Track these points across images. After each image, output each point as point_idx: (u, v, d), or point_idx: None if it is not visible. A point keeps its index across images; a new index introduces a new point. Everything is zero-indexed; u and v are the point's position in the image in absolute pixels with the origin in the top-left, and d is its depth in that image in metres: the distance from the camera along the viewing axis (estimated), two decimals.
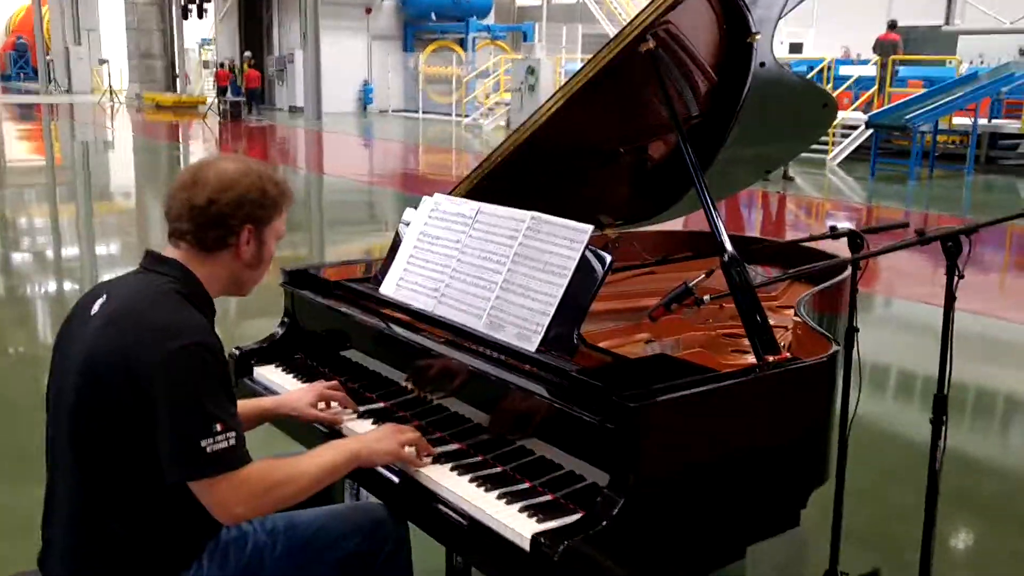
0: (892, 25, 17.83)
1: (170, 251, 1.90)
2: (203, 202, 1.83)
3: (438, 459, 1.99)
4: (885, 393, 5.22)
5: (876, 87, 17.13)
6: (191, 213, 1.84)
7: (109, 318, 1.78)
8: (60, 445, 1.82)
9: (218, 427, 1.70)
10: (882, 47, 17.47)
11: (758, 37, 2.46)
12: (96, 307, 1.82)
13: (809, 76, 17.04)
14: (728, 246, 2.11)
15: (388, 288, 2.46)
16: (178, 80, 35.02)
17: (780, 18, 2.53)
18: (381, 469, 2.00)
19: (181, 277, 1.85)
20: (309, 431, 2.27)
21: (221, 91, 28.67)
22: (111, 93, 32.41)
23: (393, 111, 30.53)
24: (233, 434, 1.72)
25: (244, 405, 2.17)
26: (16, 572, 1.92)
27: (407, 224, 2.54)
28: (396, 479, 1.98)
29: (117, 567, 1.77)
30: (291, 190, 2.01)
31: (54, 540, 1.85)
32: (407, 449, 1.96)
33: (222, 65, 30.20)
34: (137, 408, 1.69)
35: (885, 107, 15.92)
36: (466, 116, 26.60)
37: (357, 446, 1.95)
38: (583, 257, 2.05)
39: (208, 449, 1.68)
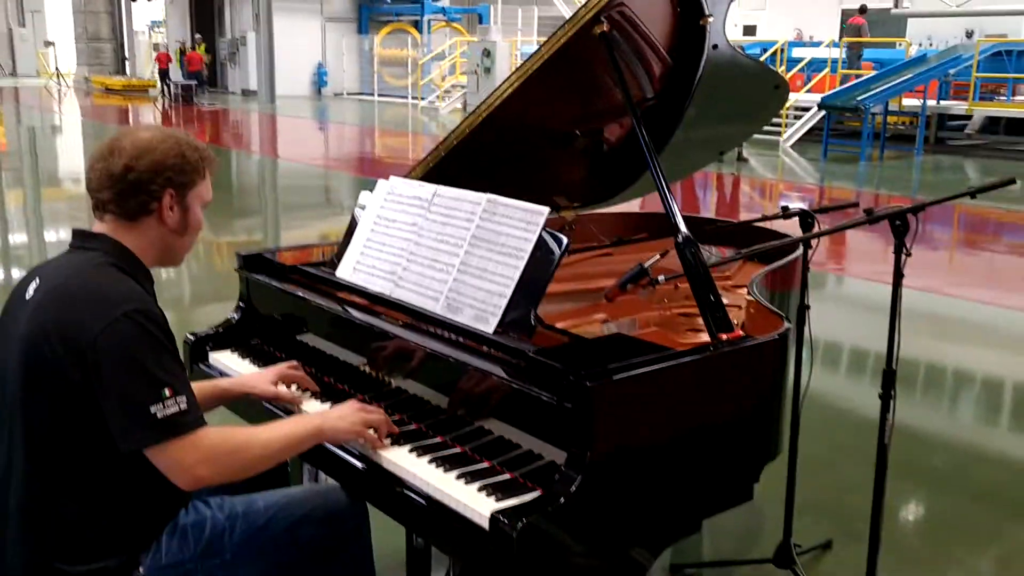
0: (862, 9, 18.10)
1: (97, 226, 1.89)
2: (120, 170, 1.83)
3: (397, 440, 2.00)
4: (837, 369, 5.32)
5: (848, 68, 17.34)
6: (110, 182, 1.84)
7: (44, 298, 1.77)
8: (8, 433, 1.80)
9: (167, 392, 1.69)
10: (852, 30, 17.76)
11: (711, 19, 2.49)
12: (31, 291, 1.81)
13: (762, 58, 17.24)
14: (682, 227, 2.13)
15: (345, 272, 2.46)
16: (127, 63, 34.38)
17: (732, 1, 2.55)
18: (340, 452, 2.01)
19: (112, 250, 1.85)
20: (266, 415, 2.26)
21: (163, 74, 28.27)
22: (58, 76, 31.74)
23: (348, 94, 30.29)
24: (184, 398, 1.72)
25: (201, 386, 2.16)
26: None
27: (363, 207, 2.54)
28: (355, 461, 1.98)
29: (73, 551, 1.76)
30: (213, 155, 1.99)
31: (7, 530, 1.82)
32: (370, 430, 1.96)
33: (156, 47, 29.77)
34: (83, 382, 1.69)
35: (837, 88, 16.13)
36: (422, 99, 26.47)
37: (320, 421, 1.95)
38: (539, 239, 2.06)
39: (159, 414, 1.68)
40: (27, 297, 1.81)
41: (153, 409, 1.68)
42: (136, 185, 1.83)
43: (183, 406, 1.71)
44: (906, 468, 3.72)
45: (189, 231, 1.94)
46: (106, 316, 1.69)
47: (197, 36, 30.12)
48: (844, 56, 17.64)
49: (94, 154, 1.87)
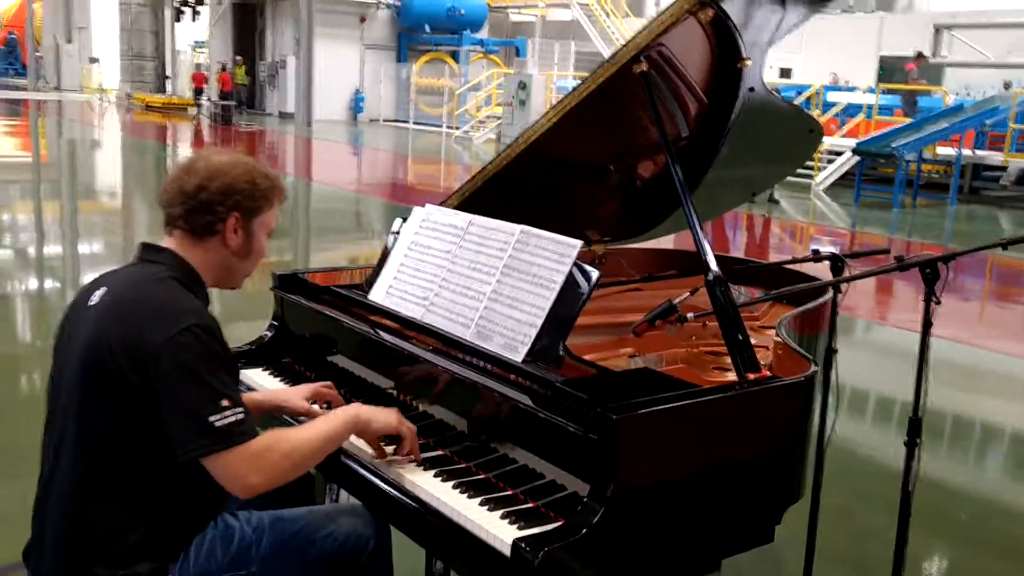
0: (919, 56, 18.14)
1: (165, 240, 1.97)
2: (193, 188, 1.91)
3: (423, 465, 2.02)
4: (863, 415, 5.28)
5: (906, 114, 17.25)
6: (182, 198, 1.92)
7: (109, 307, 1.84)
8: (61, 436, 1.85)
9: (225, 403, 1.76)
10: (909, 75, 17.76)
11: (748, 63, 2.51)
12: (95, 298, 1.88)
13: (798, 101, 17.25)
14: (713, 265, 2.15)
15: (377, 295, 2.50)
16: (168, 81, 35.00)
17: (771, 45, 2.58)
18: (366, 473, 2.03)
19: (176, 265, 1.92)
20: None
21: (197, 93, 28.82)
22: (101, 92, 32.36)
23: (384, 120, 30.62)
24: (240, 408, 1.78)
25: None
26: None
27: (397, 233, 2.58)
28: (381, 483, 2.00)
29: (108, 555, 1.80)
30: (283, 185, 2.07)
31: (45, 532, 1.87)
32: (403, 427, 2.01)
33: (197, 66, 30.38)
34: (141, 391, 1.75)
35: (872, 135, 16.10)
36: (456, 128, 26.68)
37: (355, 410, 2.01)
38: (571, 271, 2.09)
39: (217, 424, 1.73)
40: (90, 303, 1.87)
41: (212, 419, 1.73)
42: (206, 205, 1.92)
43: (240, 416, 1.77)
44: (929, 518, 3.68)
45: (251, 256, 2.02)
46: (169, 328, 1.76)
47: (238, 58, 30.64)
48: (901, 101, 17.55)
49: (171, 174, 1.97)
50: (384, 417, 2.01)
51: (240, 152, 2.07)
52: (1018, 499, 4.24)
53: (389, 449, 2.05)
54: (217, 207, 1.92)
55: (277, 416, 2.32)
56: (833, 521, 3.42)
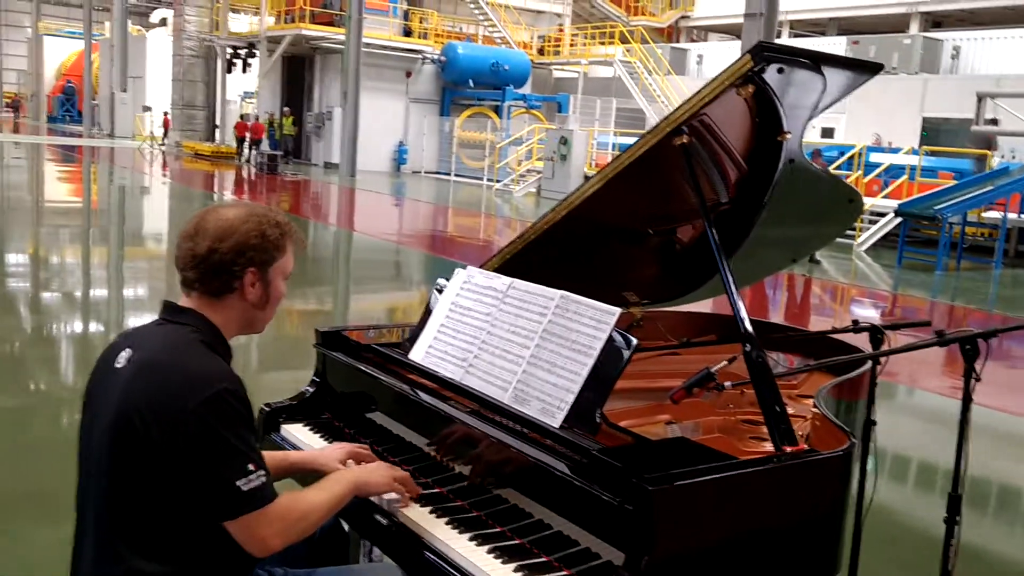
0: (993, 122, 18.03)
1: (184, 300, 1.99)
2: (204, 251, 1.92)
3: (459, 527, 2.04)
4: (904, 483, 5.18)
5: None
6: (195, 262, 1.93)
7: (139, 369, 1.85)
8: (92, 494, 1.88)
9: (251, 467, 1.80)
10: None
11: (788, 136, 2.55)
12: (122, 360, 1.90)
13: (840, 161, 17.23)
14: (751, 335, 2.16)
15: (417, 355, 2.53)
16: (217, 131, 35.83)
17: (811, 118, 2.61)
18: (399, 532, 2.05)
19: (201, 326, 1.94)
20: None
21: (239, 142, 29.49)
22: (152, 139, 33.20)
23: (426, 172, 31.01)
24: (263, 472, 1.82)
25: (271, 456, 2.23)
26: None
27: (439, 292, 2.62)
28: (416, 545, 2.02)
29: None
30: (295, 229, 2.07)
31: None
32: (396, 485, 2.11)
33: (243, 116, 31.13)
34: (171, 454, 1.77)
35: (914, 196, 16.00)
36: (497, 181, 26.95)
37: (353, 476, 2.09)
38: (609, 338, 2.11)
39: (244, 488, 1.78)
40: (117, 366, 1.89)
41: (239, 483, 1.77)
42: (220, 267, 1.93)
43: (263, 479, 1.81)
44: None
45: (271, 304, 2.03)
46: (200, 394, 1.78)
47: (286, 108, 31.31)
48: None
49: (181, 233, 1.98)
50: (378, 479, 2.10)
51: (248, 202, 2.09)
52: None
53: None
54: (232, 267, 1.93)
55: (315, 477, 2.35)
56: None
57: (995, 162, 17.82)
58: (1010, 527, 4.74)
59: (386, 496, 2.13)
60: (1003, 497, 5.08)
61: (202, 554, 1.84)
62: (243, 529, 1.80)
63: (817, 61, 2.44)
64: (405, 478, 2.14)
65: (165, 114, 35.92)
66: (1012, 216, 15.85)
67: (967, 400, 2.15)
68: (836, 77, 2.51)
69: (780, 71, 2.36)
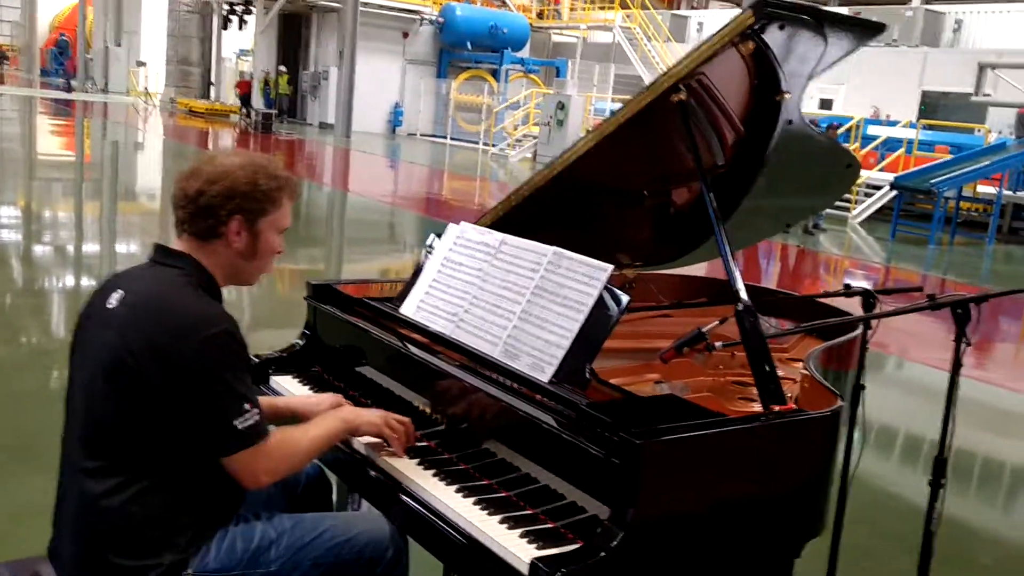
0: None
1: (176, 243, 1.98)
2: (194, 192, 1.93)
3: (445, 479, 2.04)
4: (891, 454, 5.22)
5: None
6: (185, 202, 1.94)
7: (131, 311, 1.86)
8: (79, 435, 1.88)
9: (247, 406, 1.84)
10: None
11: (787, 96, 2.52)
12: (114, 301, 1.89)
13: (837, 133, 17.15)
14: (743, 295, 2.16)
15: (408, 309, 2.53)
16: (212, 88, 35.52)
17: (811, 78, 2.59)
18: (388, 483, 2.05)
19: (193, 269, 1.94)
20: None
21: (243, 99, 29.27)
22: (146, 95, 32.91)
23: (421, 135, 30.83)
24: (257, 410, 1.87)
25: (271, 400, 2.29)
26: (26, 557, 1.98)
27: (431, 248, 2.61)
28: (402, 494, 2.02)
29: (128, 547, 1.83)
30: (293, 184, 2.05)
31: (65, 524, 1.91)
32: (388, 430, 2.12)
33: (241, 74, 30.86)
34: (167, 394, 1.79)
35: (911, 170, 15.99)
36: (493, 145, 26.83)
37: (346, 413, 2.13)
38: (601, 295, 2.10)
39: (240, 426, 1.83)
40: (109, 307, 1.89)
41: (236, 422, 1.82)
42: (206, 209, 1.92)
43: (257, 417, 1.86)
44: (953, 563, 3.63)
45: (258, 256, 2.01)
46: (197, 335, 1.81)
47: (281, 67, 31.03)
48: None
49: (181, 173, 1.98)
50: (368, 420, 2.12)
51: (252, 153, 2.07)
52: None
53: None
54: (218, 211, 1.92)
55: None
56: (855, 559, 3.39)
57: (992, 137, 17.79)
58: (994, 500, 4.79)
59: (363, 440, 2.15)
60: (988, 470, 5.12)
61: (191, 494, 1.87)
62: (238, 465, 1.85)
63: (820, 19, 2.41)
64: (401, 423, 2.14)
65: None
66: (1007, 192, 15.84)
67: (957, 364, 2.16)
68: (838, 37, 2.48)
69: (781, 27, 2.34)
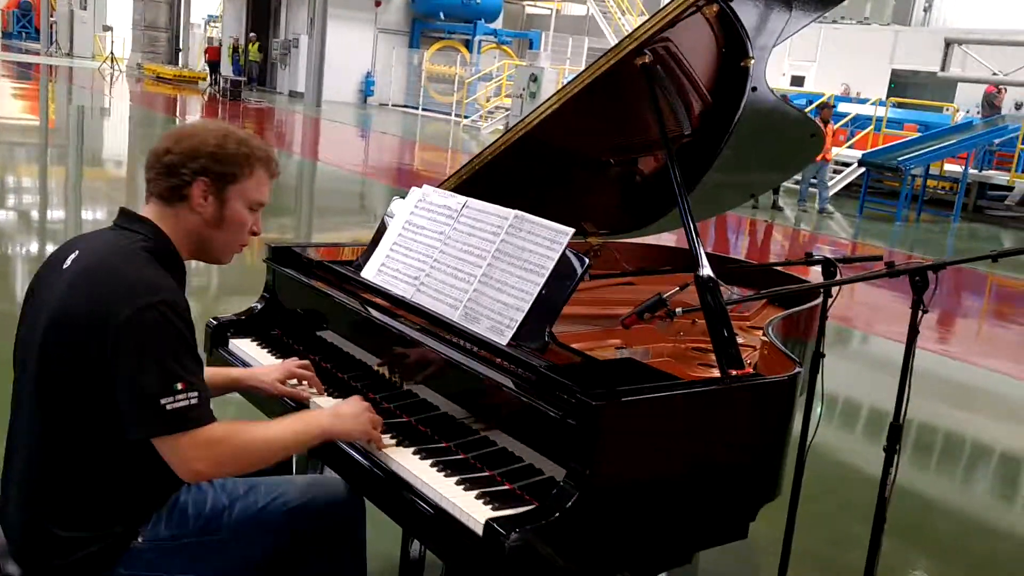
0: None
1: (144, 209, 1.92)
2: (161, 151, 1.88)
3: (403, 442, 2.03)
4: (852, 426, 5.29)
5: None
6: (152, 162, 1.89)
7: (79, 274, 1.80)
8: (24, 396, 1.84)
9: (179, 386, 1.71)
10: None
11: (752, 61, 2.52)
12: (68, 262, 1.84)
13: (808, 109, 17.22)
14: (704, 262, 2.15)
15: (369, 272, 2.50)
16: (180, 54, 34.96)
17: (775, 45, 2.58)
18: (344, 446, 2.04)
19: (152, 236, 1.87)
20: (279, 404, 2.30)
21: (212, 66, 28.86)
22: (112, 60, 32.33)
23: (393, 105, 30.57)
24: (196, 394, 1.73)
25: (214, 372, 2.20)
26: None
27: (393, 213, 2.58)
28: (359, 457, 2.01)
29: (73, 519, 1.79)
30: (268, 154, 1.97)
31: (11, 491, 1.87)
32: (374, 433, 1.98)
33: (209, 40, 30.39)
34: (100, 363, 1.71)
35: (879, 147, 16.10)
36: (465, 117, 26.66)
37: (328, 421, 1.96)
38: (561, 258, 2.10)
39: (168, 407, 1.69)
40: (63, 267, 1.84)
41: (163, 401, 1.69)
42: (170, 168, 1.87)
43: (193, 401, 1.72)
44: (909, 532, 3.69)
45: (225, 226, 1.93)
46: (133, 303, 1.71)
47: (252, 34, 30.59)
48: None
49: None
50: (354, 425, 1.96)
51: (229, 124, 2.00)
52: (998, 516, 4.25)
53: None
54: (180, 169, 1.86)
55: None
56: (812, 527, 3.43)
57: (960, 116, 17.94)
58: (951, 471, 4.87)
59: (318, 402, 2.11)
60: (946, 442, 5.21)
61: (133, 467, 1.80)
62: (167, 449, 1.73)
63: None
64: (379, 421, 2.01)
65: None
66: (972, 171, 16.01)
67: (914, 331, 2.17)
68: (802, 1, 2.47)
69: None
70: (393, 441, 2.03)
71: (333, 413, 2.00)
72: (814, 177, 14.71)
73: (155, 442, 1.73)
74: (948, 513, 4.18)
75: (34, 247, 7.59)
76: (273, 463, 1.93)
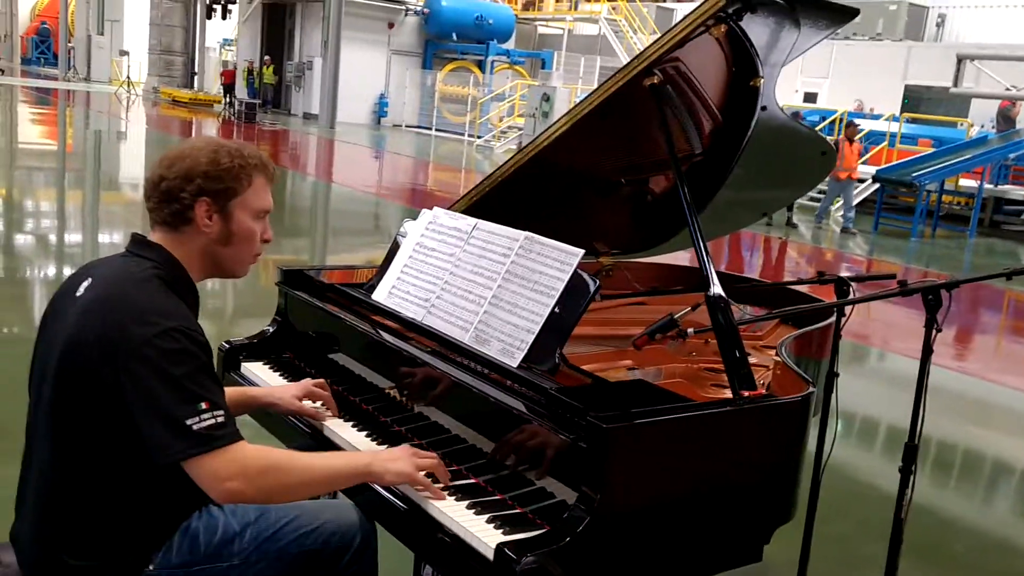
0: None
1: (152, 235, 1.91)
2: (156, 179, 1.86)
3: None
4: (869, 445, 5.24)
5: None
6: (149, 191, 1.88)
7: (92, 302, 1.79)
8: (39, 423, 1.84)
9: (203, 405, 1.69)
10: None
11: (761, 81, 2.51)
12: (81, 289, 1.84)
13: (821, 126, 17.22)
14: (715, 282, 2.15)
15: (380, 295, 2.51)
16: (196, 78, 35.28)
17: (785, 63, 2.58)
18: None
19: (163, 262, 1.86)
20: (290, 428, 2.30)
21: (227, 89, 29.09)
22: (128, 84, 32.65)
23: (406, 126, 30.69)
24: (220, 412, 1.71)
25: (230, 392, 2.19)
26: None
27: (404, 234, 2.59)
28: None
29: (86, 547, 1.79)
30: (263, 162, 1.94)
31: (26, 517, 1.87)
32: (422, 474, 1.91)
33: (224, 64, 30.64)
34: (114, 389, 1.70)
35: (893, 163, 16.04)
36: (478, 137, 26.75)
37: (370, 459, 1.91)
38: (571, 279, 2.09)
39: (195, 427, 1.67)
40: (77, 294, 1.84)
41: (189, 422, 1.67)
42: (168, 194, 1.85)
43: (220, 419, 1.70)
44: (926, 551, 3.65)
45: (235, 241, 1.92)
46: (146, 330, 1.70)
47: (266, 57, 30.84)
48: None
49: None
50: (398, 469, 1.89)
51: (217, 138, 1.96)
52: (1017, 535, 4.19)
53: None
54: (180, 194, 1.84)
55: (275, 414, 2.33)
56: (828, 547, 3.40)
57: (974, 131, 17.86)
58: (969, 489, 4.81)
59: (331, 427, 2.09)
60: (963, 459, 5.15)
61: (149, 494, 1.80)
62: (200, 471, 1.69)
63: (792, 2, 2.40)
64: (435, 466, 1.92)
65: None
66: (988, 186, 15.92)
67: (927, 351, 2.15)
68: (811, 20, 2.47)
69: (754, 10, 2.32)
70: (445, 490, 1.99)
71: (375, 454, 1.97)
72: (838, 196, 14.66)
73: (186, 465, 1.70)
74: (965, 531, 4.13)
75: (52, 271, 7.64)
76: (310, 494, 1.89)
